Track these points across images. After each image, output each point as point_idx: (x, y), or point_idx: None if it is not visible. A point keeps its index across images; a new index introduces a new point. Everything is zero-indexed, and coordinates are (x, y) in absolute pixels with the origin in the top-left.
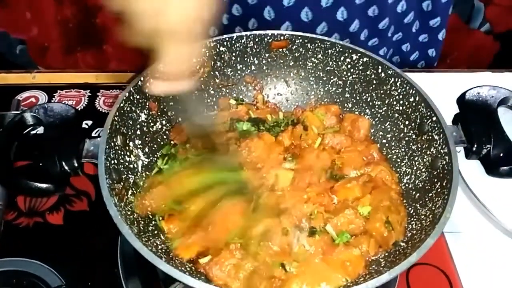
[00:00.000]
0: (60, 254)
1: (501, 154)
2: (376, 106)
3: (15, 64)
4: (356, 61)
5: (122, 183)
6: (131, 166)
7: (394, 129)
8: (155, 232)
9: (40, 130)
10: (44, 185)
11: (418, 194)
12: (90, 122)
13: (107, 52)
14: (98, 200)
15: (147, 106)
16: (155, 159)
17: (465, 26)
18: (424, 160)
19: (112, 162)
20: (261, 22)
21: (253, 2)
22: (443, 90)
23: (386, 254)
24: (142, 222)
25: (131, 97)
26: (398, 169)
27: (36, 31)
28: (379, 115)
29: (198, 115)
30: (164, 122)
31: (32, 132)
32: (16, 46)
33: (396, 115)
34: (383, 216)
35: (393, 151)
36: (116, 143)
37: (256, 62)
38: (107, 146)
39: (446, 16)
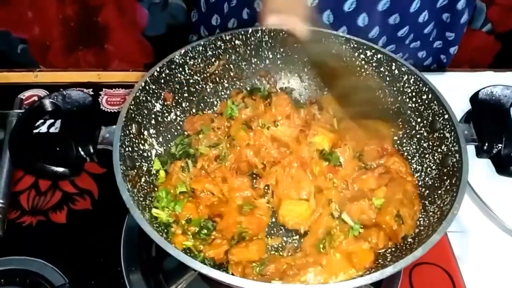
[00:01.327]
0: (63, 252)
1: None
2: (389, 103)
3: (17, 63)
4: (370, 58)
5: (135, 170)
6: (145, 154)
7: (406, 126)
8: None
9: (43, 128)
10: (60, 169)
11: (427, 191)
12: None
13: (108, 51)
14: (101, 199)
15: (162, 97)
16: (169, 148)
17: (467, 26)
18: (435, 157)
19: (127, 149)
20: None
21: None
22: (446, 89)
23: (393, 249)
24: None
25: (147, 87)
26: (409, 166)
27: (38, 30)
28: (391, 112)
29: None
30: (178, 112)
31: (35, 131)
32: (18, 45)
33: (409, 112)
34: (394, 209)
35: (405, 148)
36: (131, 131)
37: (271, 56)
38: (122, 134)
39: (460, 35)
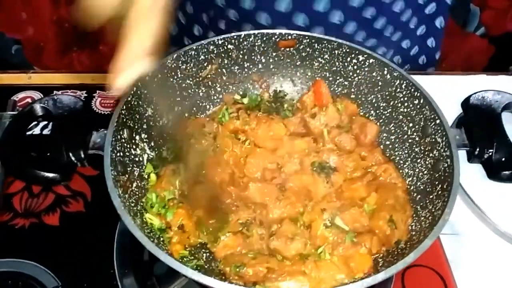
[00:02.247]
0: (56, 255)
1: (503, 159)
2: (381, 108)
3: (10, 64)
4: (362, 62)
5: (127, 175)
6: (137, 159)
7: (398, 131)
8: None
9: (37, 130)
10: (51, 175)
11: (419, 196)
12: None
13: (102, 53)
14: (94, 201)
15: (153, 101)
16: (161, 152)
17: (461, 30)
18: (427, 162)
19: (118, 154)
20: (256, 27)
21: (251, 8)
22: (439, 93)
23: (385, 254)
24: (145, 214)
25: (139, 92)
26: (401, 171)
27: (32, 31)
28: (383, 117)
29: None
30: (170, 117)
31: (29, 133)
32: (12, 46)
33: (401, 117)
34: (387, 214)
35: (396, 153)
36: (122, 136)
37: (263, 60)
38: (113, 139)
39: (444, 4)
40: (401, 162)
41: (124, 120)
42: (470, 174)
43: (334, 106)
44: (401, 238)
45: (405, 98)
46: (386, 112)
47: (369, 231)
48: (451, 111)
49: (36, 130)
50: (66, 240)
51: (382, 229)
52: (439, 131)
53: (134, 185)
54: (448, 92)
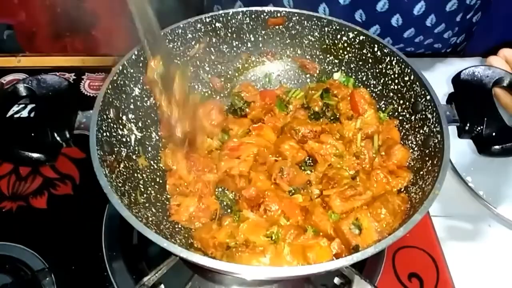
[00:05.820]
0: (44, 238)
1: (494, 133)
2: (372, 85)
3: (2, 49)
4: (352, 40)
5: (114, 156)
6: (124, 139)
7: (389, 108)
8: (146, 204)
9: (24, 113)
10: (36, 155)
11: None
12: None
13: (96, 38)
14: (83, 184)
15: (141, 81)
16: (148, 133)
17: None
18: (417, 139)
19: (104, 134)
20: None
21: None
22: (430, 71)
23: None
24: (134, 194)
25: (125, 71)
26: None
27: (24, 16)
28: (374, 94)
29: None
30: None
31: (16, 116)
32: (3, 32)
33: (391, 94)
34: (353, 219)
35: None
36: (109, 116)
37: (252, 39)
38: (99, 118)
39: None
40: None
41: (111, 99)
42: (461, 154)
43: (376, 114)
44: (361, 245)
45: (396, 75)
46: (376, 89)
47: (333, 235)
48: (442, 89)
49: (24, 113)
50: (54, 223)
51: (343, 233)
52: (430, 107)
53: (122, 165)
54: (441, 71)
